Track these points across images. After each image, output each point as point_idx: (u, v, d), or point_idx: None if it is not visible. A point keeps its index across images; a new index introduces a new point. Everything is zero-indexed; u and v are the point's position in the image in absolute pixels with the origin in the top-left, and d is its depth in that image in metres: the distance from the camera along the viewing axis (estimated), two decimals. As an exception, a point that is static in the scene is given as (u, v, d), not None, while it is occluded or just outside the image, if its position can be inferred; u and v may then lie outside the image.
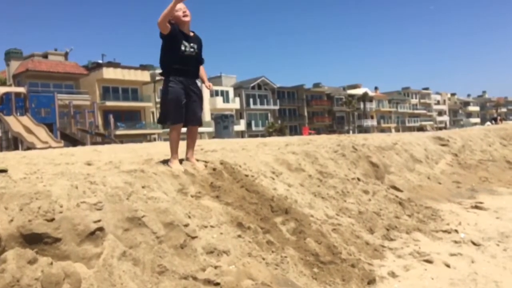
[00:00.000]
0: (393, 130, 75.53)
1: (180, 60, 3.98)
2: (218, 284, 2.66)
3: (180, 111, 3.95)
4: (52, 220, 2.41)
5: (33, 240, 2.31)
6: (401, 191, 6.46)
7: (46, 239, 2.34)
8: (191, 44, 4.04)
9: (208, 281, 2.66)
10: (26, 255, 2.21)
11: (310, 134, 39.29)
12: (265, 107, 62.79)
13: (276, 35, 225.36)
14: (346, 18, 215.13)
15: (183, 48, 3.97)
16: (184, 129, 4.20)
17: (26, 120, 23.04)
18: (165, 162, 4.07)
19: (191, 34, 4.10)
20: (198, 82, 4.30)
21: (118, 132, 39.26)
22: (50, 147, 17.45)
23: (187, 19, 4.00)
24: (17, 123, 22.38)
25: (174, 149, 4.01)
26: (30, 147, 18.91)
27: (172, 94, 3.94)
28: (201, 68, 4.28)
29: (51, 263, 2.25)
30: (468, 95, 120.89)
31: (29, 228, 2.32)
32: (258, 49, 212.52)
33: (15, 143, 22.57)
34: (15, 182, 2.94)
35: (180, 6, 3.89)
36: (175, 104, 3.94)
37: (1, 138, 23.48)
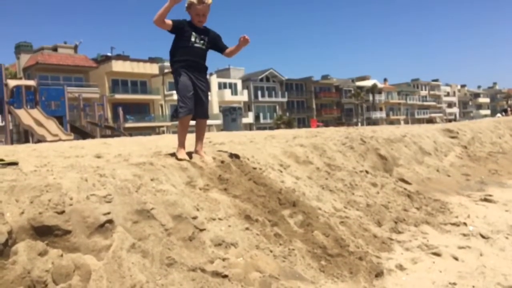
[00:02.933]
0: (402, 122, 75.13)
1: (188, 52, 3.99)
2: (226, 276, 2.69)
3: (189, 103, 3.96)
4: (62, 212, 2.44)
5: (43, 232, 2.34)
6: (409, 183, 6.44)
7: (56, 231, 2.37)
8: (202, 36, 4.05)
9: (216, 273, 2.68)
10: (36, 247, 2.24)
11: (318, 126, 39.15)
12: (273, 99, 62.68)
13: (284, 27, 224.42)
14: (355, 9, 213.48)
15: (193, 39, 3.99)
16: (192, 122, 4.23)
17: (36, 113, 23.20)
18: (174, 155, 4.09)
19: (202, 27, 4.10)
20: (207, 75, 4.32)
21: (127, 125, 39.47)
22: (60, 140, 17.59)
23: (199, 24, 4.03)
24: (27, 116, 22.55)
25: (181, 140, 4.04)
26: (40, 140, 19.07)
27: (181, 85, 3.96)
28: (229, 49, 4.24)
29: (61, 255, 2.28)
30: (478, 87, 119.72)
31: (39, 220, 2.35)
32: (266, 41, 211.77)
33: (25, 136, 22.79)
34: (26, 174, 2.97)
35: (202, 11, 3.92)
36: (183, 96, 3.96)
37: (12, 131, 23.67)
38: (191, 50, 4.00)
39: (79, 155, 4.53)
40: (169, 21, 3.86)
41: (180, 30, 3.96)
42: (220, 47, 4.24)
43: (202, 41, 4.05)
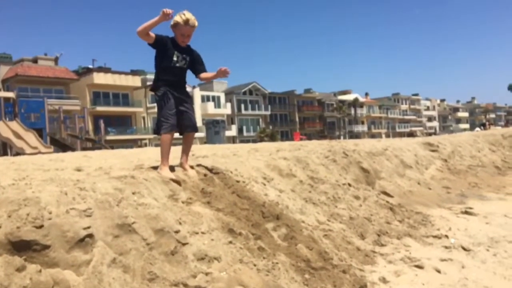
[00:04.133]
0: (383, 135, 76.02)
1: (171, 71, 4.00)
2: (209, 291, 2.64)
3: (172, 120, 3.93)
4: (41, 227, 2.38)
5: (21, 247, 2.28)
6: (391, 196, 6.49)
7: (35, 246, 2.31)
8: (183, 56, 4.05)
9: (199, 288, 2.64)
10: (14, 263, 2.17)
11: (301, 139, 39.36)
12: (257, 112, 62.87)
13: (267, 41, 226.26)
14: (336, 24, 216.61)
15: (175, 58, 3.99)
16: (178, 135, 4.21)
17: (15, 125, 22.84)
18: (156, 168, 4.04)
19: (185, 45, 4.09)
20: (188, 88, 4.31)
21: (109, 138, 39.07)
22: (39, 152, 17.29)
23: (183, 44, 4.03)
24: (6, 128, 22.17)
25: (164, 157, 3.97)
26: (19, 152, 18.72)
27: (163, 103, 3.95)
28: (205, 74, 4.23)
29: (40, 271, 2.21)
30: (458, 101, 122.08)
31: (17, 235, 2.29)
32: (249, 54, 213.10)
33: (4, 148, 22.36)
34: (4, 188, 2.90)
35: (187, 32, 3.93)
36: (166, 113, 3.93)
37: (-11, 143, 23.21)
38: (172, 70, 4.01)
39: (59, 168, 4.45)
40: (152, 34, 3.85)
41: (162, 46, 3.95)
42: (196, 69, 4.21)
43: (183, 61, 4.06)
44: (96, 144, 27.18)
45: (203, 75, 4.22)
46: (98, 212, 2.76)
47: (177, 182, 3.76)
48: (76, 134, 27.67)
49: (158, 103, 4.03)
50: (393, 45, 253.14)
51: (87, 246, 2.49)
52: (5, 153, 20.73)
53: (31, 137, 22.12)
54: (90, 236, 2.54)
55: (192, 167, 4.26)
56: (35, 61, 43.42)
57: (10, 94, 25.39)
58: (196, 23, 3.96)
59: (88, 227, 2.56)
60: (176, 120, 3.97)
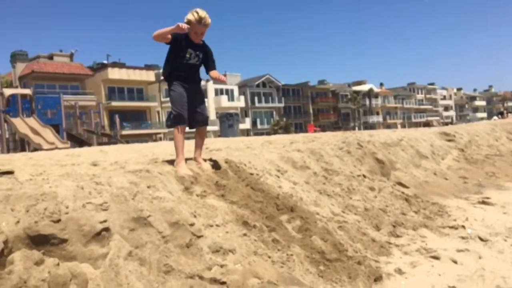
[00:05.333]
0: (399, 126, 75.29)
1: (183, 67, 4.02)
2: (224, 283, 2.67)
3: (184, 113, 3.97)
4: (58, 221, 2.42)
5: (39, 241, 2.32)
6: (407, 187, 6.44)
7: (53, 240, 2.35)
8: (197, 53, 4.07)
9: (214, 280, 2.66)
10: (32, 256, 2.22)
11: (315, 131, 39.20)
12: (270, 105, 62.76)
13: (280, 33, 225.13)
14: (350, 15, 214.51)
15: (188, 55, 4.01)
16: (193, 129, 4.25)
17: (32, 121, 23.12)
18: (171, 162, 4.07)
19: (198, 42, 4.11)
20: (202, 82, 4.35)
21: (124, 132, 39.38)
22: (56, 148, 17.53)
23: (197, 40, 4.04)
24: (23, 124, 22.47)
25: (179, 151, 3.99)
26: (37, 148, 18.99)
27: (176, 97, 3.98)
28: (214, 72, 4.23)
29: (58, 264, 2.26)
30: (474, 90, 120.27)
31: (35, 229, 2.33)
32: (262, 47, 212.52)
33: (22, 144, 22.67)
34: (21, 183, 2.96)
35: (200, 30, 3.96)
36: (179, 106, 3.97)
37: (8, 139, 23.59)
38: (186, 67, 4.05)
39: (75, 163, 4.52)
40: (169, 36, 3.90)
41: (177, 44, 3.99)
42: (208, 66, 4.23)
43: (196, 58, 4.09)
44: (112, 139, 27.39)
45: (213, 74, 4.21)
46: (114, 206, 2.79)
47: (193, 178, 3.79)
48: (92, 129, 27.91)
49: (170, 97, 4.06)
50: (409, 34, 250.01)
51: (104, 240, 2.53)
52: (23, 149, 21.03)
53: (48, 133, 22.38)
54: (107, 229, 2.57)
55: (205, 160, 4.29)
56: (50, 57, 43.93)
57: (27, 91, 25.65)
58: (209, 21, 3.96)
59: (105, 221, 2.60)
60: (187, 113, 4.00)
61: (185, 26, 3.73)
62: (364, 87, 79.24)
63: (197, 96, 4.17)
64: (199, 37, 4.03)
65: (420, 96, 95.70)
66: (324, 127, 58.71)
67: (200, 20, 3.90)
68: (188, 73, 4.08)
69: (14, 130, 23.02)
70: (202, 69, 4.25)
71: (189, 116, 4.05)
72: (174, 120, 3.99)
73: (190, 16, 3.90)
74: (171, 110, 4.06)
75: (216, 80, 4.28)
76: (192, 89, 4.10)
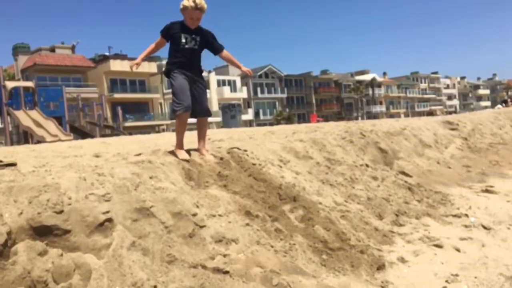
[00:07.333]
0: (402, 115, 75.03)
1: (181, 53, 4.01)
2: (227, 272, 2.68)
3: (186, 100, 3.95)
4: (61, 212, 2.43)
5: (43, 232, 2.33)
6: (410, 176, 6.42)
7: (56, 231, 2.36)
8: (193, 36, 4.03)
9: (217, 270, 2.68)
10: (36, 247, 2.23)
11: (318, 121, 39.14)
12: (273, 95, 62.65)
13: (282, 23, 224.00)
14: (352, 4, 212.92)
15: (183, 40, 3.99)
16: (193, 120, 4.23)
17: (35, 114, 23.16)
18: (173, 152, 4.07)
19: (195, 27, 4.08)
20: (204, 72, 4.33)
21: (127, 124, 39.46)
22: (59, 140, 17.57)
23: (193, 26, 4.03)
24: (26, 117, 22.52)
25: (179, 140, 4.02)
26: (40, 140, 19.05)
27: (176, 84, 3.97)
28: (226, 53, 4.26)
29: (61, 255, 2.27)
30: (478, 78, 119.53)
31: (38, 220, 2.34)
32: (264, 37, 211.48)
33: (25, 137, 22.76)
34: (24, 175, 2.96)
35: (196, 16, 3.96)
36: (180, 93, 3.95)
37: (11, 132, 23.67)
38: (182, 52, 4.02)
39: (78, 154, 4.52)
40: (162, 41, 4.07)
41: (171, 36, 4.02)
42: (213, 47, 4.21)
43: (193, 41, 4.05)
44: (114, 131, 27.44)
45: (226, 56, 4.23)
46: (117, 196, 2.80)
47: (195, 164, 3.82)
48: (94, 121, 27.95)
49: (172, 88, 4.05)
50: (412, 23, 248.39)
51: (107, 230, 2.54)
52: (26, 142, 21.09)
53: (51, 125, 22.42)
54: (110, 220, 2.58)
55: (208, 150, 4.29)
56: (52, 50, 43.88)
57: (29, 84, 25.67)
58: (205, 6, 3.94)
59: (107, 212, 2.60)
60: (190, 100, 3.98)
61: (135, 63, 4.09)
62: (367, 77, 78.92)
63: (199, 83, 4.13)
64: (195, 23, 4.00)
65: (423, 85, 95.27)
66: (327, 117, 58.60)
67: (195, 5, 3.87)
68: (187, 59, 4.03)
69: (17, 122, 23.08)
70: (204, 63, 4.26)
71: (191, 105, 4.04)
72: (177, 107, 3.98)
73: (186, 2, 3.88)
74: (173, 99, 4.05)
75: (230, 62, 4.39)
76: (193, 75, 4.08)
